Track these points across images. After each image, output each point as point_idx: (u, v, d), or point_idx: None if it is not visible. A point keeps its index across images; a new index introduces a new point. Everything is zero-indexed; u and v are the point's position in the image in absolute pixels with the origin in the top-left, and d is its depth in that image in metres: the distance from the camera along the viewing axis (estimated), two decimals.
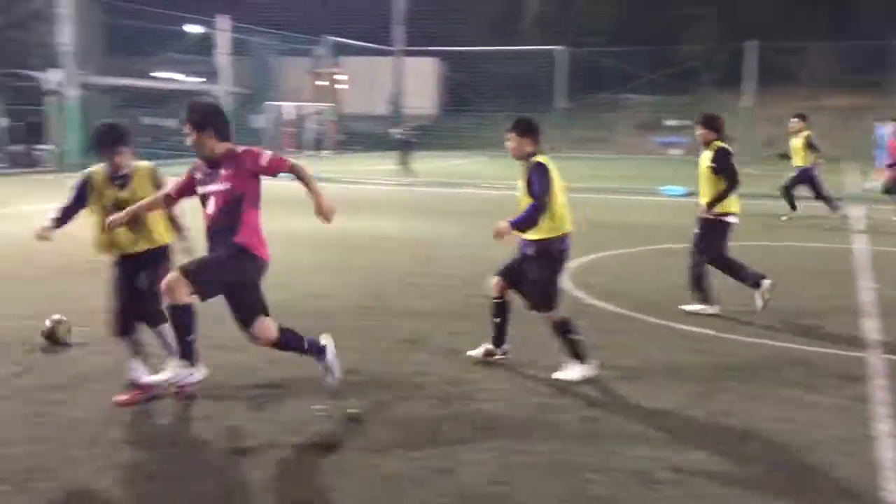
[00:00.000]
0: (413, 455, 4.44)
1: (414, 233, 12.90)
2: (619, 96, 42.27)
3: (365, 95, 42.53)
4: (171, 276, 4.57)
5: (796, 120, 14.64)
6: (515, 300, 6.11)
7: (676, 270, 9.83)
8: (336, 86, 41.35)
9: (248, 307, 4.84)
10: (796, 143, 14.57)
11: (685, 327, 7.19)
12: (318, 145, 36.63)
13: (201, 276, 4.60)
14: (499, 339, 6.16)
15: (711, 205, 7.49)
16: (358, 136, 39.82)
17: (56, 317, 6.51)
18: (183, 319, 4.61)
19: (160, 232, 5.39)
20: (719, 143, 7.56)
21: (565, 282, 8.96)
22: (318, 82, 40.71)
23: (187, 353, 4.68)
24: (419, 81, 43.05)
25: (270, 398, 5.30)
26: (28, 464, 4.24)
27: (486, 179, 22.06)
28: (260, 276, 4.90)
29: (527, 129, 5.95)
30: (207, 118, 4.83)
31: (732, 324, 7.31)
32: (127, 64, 35.44)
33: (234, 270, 4.75)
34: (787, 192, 14.78)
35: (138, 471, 4.22)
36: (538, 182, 5.70)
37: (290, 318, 7.24)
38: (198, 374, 4.79)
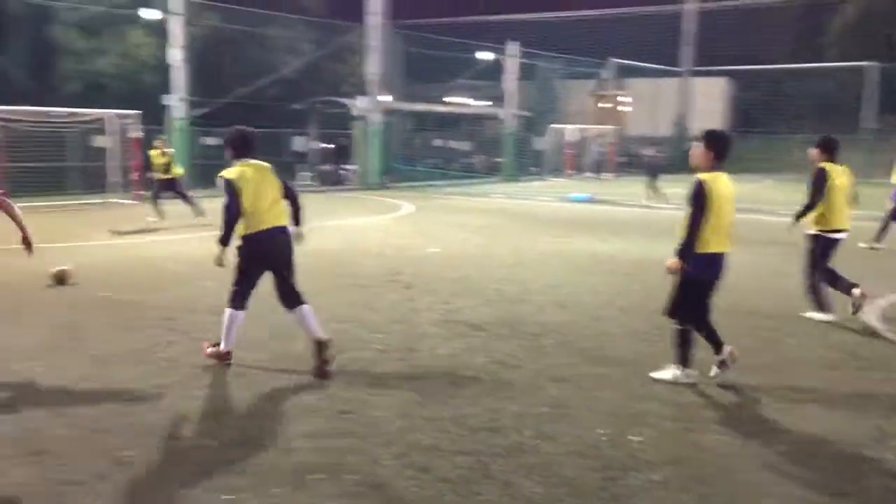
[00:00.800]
0: (702, 490, 4.25)
1: None
2: None
3: (649, 117, 41.84)
4: None
5: None
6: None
7: None
8: (619, 108, 41.11)
9: None
10: None
11: None
12: (599, 168, 36.58)
13: None
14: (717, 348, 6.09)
15: (796, 218, 8.20)
16: (639, 159, 39.23)
17: (64, 267, 9.71)
18: None
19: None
20: (822, 164, 8.08)
21: (873, 320, 8.13)
22: (601, 104, 40.76)
23: None
24: (706, 102, 41.47)
25: (553, 417, 5.35)
26: (337, 456, 4.66)
27: (771, 204, 20.68)
28: None
29: (711, 142, 5.79)
30: None
31: None
32: (422, 90, 38.04)
33: None
34: None
35: (430, 474, 4.45)
36: (692, 202, 5.70)
37: (573, 339, 7.32)
38: None
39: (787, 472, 4.50)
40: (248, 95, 26.32)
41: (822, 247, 8.10)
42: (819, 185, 7.96)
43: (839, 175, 8.08)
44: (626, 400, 5.70)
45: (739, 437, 5.03)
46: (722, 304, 9.00)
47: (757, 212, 20.40)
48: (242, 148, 6.40)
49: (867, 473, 4.50)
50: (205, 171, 26.29)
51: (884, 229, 13.91)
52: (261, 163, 6.40)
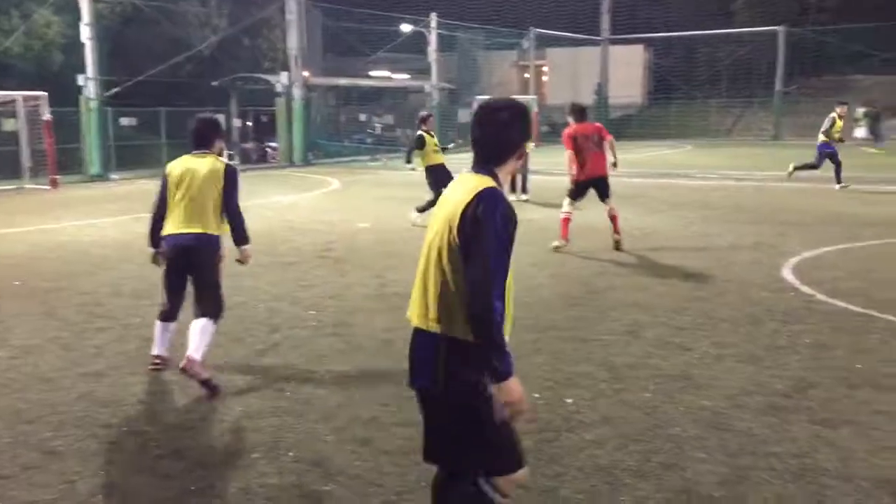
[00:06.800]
0: (634, 448, 4.37)
1: (624, 223, 12.64)
2: (847, 77, 39.00)
3: (570, 86, 42.26)
4: None
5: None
6: None
7: None
8: (542, 77, 41.41)
9: None
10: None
11: None
12: None
13: None
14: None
15: None
16: (561, 127, 39.61)
17: None
18: None
19: None
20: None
21: (791, 277, 8.49)
22: (524, 75, 40.98)
23: None
24: (625, 70, 42.07)
25: None
26: (274, 434, 4.63)
27: (692, 168, 21.26)
28: None
29: None
30: None
31: None
32: (343, 64, 37.56)
33: None
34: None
35: (371, 447, 4.46)
36: None
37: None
38: None
39: (715, 424, 4.67)
40: (162, 73, 25.52)
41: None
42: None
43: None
44: (559, 364, 5.81)
45: (668, 393, 5.18)
46: (650, 265, 9.28)
47: (680, 176, 20.90)
48: None
49: (793, 422, 4.70)
50: (121, 153, 25.48)
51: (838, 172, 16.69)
52: None
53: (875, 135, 31.61)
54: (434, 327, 2.82)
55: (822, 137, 16.65)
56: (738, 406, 4.96)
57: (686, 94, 41.31)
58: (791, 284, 8.20)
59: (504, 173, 2.91)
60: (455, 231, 2.74)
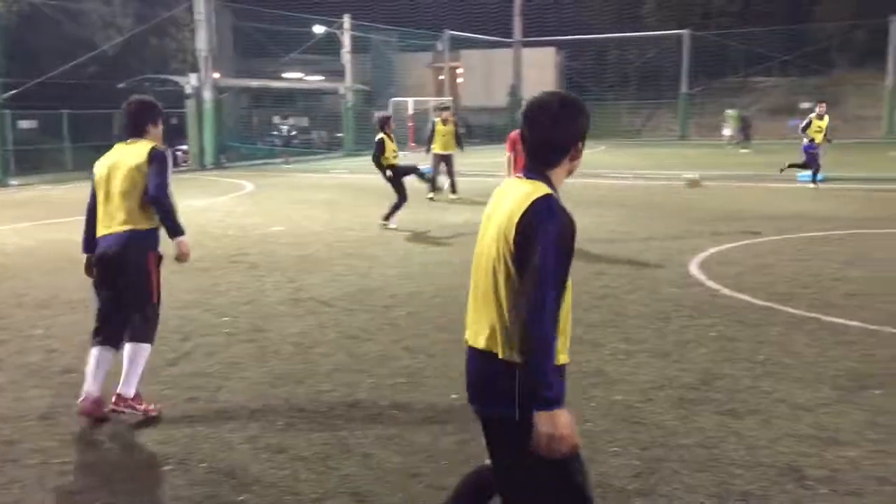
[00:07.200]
0: None
1: None
2: (749, 79, 40.62)
3: (484, 87, 42.65)
4: None
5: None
6: None
7: (818, 259, 9.43)
8: (456, 79, 41.64)
9: None
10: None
11: (831, 319, 6.87)
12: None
13: None
14: None
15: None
16: (477, 129, 39.89)
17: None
18: None
19: None
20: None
21: (698, 272, 8.77)
22: (439, 76, 41.14)
23: None
24: (538, 72, 42.67)
25: (410, 386, 5.42)
26: (186, 445, 4.51)
27: (607, 168, 21.77)
28: None
29: None
30: None
31: (881, 315, 6.93)
32: (256, 66, 36.95)
33: None
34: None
35: (287, 454, 4.40)
36: None
37: (423, 310, 7.40)
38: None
39: (628, 418, 4.78)
40: (65, 74, 24.56)
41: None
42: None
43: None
44: None
45: (583, 389, 5.27)
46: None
47: (594, 175, 21.30)
48: None
49: (701, 413, 4.85)
50: (21, 157, 24.40)
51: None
52: None
53: (743, 135, 32.85)
54: (506, 354, 2.53)
55: (805, 139, 16.82)
56: (649, 400, 5.09)
57: (597, 95, 42.23)
58: (698, 280, 8.48)
59: (558, 177, 2.66)
60: (512, 245, 2.51)
